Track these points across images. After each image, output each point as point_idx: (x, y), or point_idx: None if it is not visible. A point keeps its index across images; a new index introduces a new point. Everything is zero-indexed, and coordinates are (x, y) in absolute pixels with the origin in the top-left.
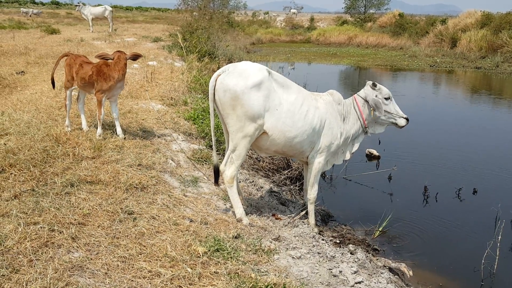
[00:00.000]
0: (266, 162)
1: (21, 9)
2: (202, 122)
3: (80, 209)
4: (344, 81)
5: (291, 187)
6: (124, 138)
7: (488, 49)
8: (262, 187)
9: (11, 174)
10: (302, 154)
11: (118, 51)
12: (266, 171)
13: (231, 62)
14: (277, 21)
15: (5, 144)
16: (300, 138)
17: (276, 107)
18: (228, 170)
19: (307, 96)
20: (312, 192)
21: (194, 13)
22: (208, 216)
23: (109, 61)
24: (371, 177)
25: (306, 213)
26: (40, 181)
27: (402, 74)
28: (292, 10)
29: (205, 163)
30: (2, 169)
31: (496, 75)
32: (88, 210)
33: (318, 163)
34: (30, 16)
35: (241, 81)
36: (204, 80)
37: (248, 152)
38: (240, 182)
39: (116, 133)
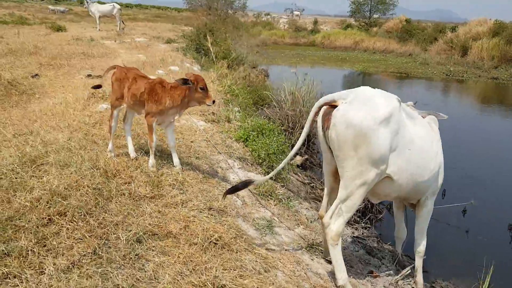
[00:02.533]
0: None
1: (49, 6)
2: (254, 144)
3: (158, 281)
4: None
5: (371, 228)
6: (182, 170)
7: (501, 59)
8: None
9: (61, 227)
10: (418, 197)
11: (195, 76)
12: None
13: (255, 68)
14: (280, 22)
15: (48, 183)
16: (430, 180)
17: (408, 146)
18: (335, 224)
19: (425, 124)
20: (422, 243)
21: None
22: (303, 282)
23: (166, 82)
24: (440, 210)
25: (403, 267)
26: (101, 238)
27: (419, 82)
28: (295, 12)
29: (269, 198)
30: (49, 219)
31: None
32: (169, 283)
33: (431, 205)
34: (55, 13)
35: (369, 114)
36: (238, 91)
37: (299, 177)
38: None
39: (173, 163)
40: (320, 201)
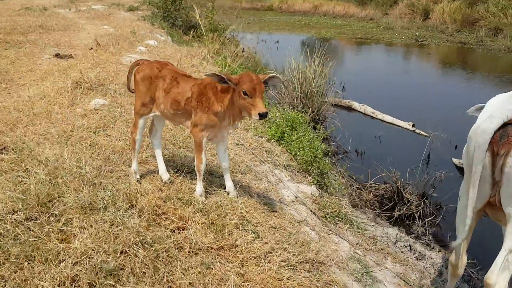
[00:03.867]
0: (371, 193)
1: None
2: (292, 145)
3: None
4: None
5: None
6: (237, 196)
7: (463, 22)
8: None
9: None
10: None
11: (242, 74)
12: (371, 204)
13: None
14: None
15: (77, 249)
16: None
17: None
18: (503, 281)
19: None
20: None
21: None
22: None
23: (216, 83)
24: None
25: None
26: None
27: (392, 48)
28: None
29: (337, 219)
30: None
31: (487, 51)
32: None
33: None
34: None
35: None
36: (240, 71)
37: (342, 179)
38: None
39: (225, 189)
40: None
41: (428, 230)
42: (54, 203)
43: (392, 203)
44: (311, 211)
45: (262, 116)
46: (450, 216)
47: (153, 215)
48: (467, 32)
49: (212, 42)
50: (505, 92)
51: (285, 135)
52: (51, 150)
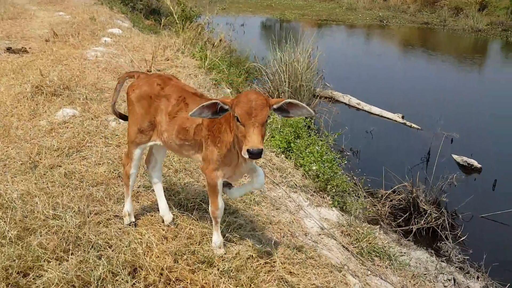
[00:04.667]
0: (386, 205)
1: None
2: (301, 157)
3: None
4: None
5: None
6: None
7: (423, 2)
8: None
9: None
10: None
11: (247, 93)
12: (386, 218)
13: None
14: None
15: None
16: None
17: None
18: None
19: None
20: None
21: None
22: None
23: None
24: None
25: None
26: None
27: (358, 30)
28: None
29: (374, 255)
30: None
31: (452, 31)
32: None
33: None
34: None
35: None
36: (221, 64)
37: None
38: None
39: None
40: (398, 233)
41: (456, 248)
42: (29, 279)
43: (407, 213)
44: (343, 246)
45: (252, 154)
46: (469, 226)
47: (164, 285)
48: (428, 12)
49: (185, 31)
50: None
51: (291, 145)
52: (15, 185)
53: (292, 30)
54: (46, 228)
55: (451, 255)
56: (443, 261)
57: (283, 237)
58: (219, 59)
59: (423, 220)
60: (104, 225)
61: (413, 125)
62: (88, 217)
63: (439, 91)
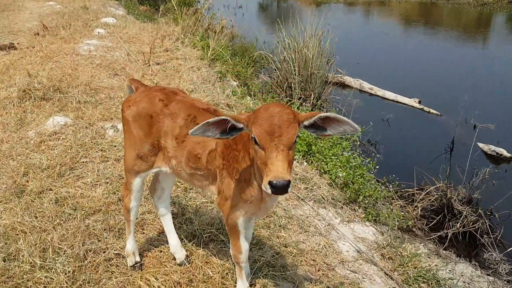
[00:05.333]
0: (418, 208)
1: None
2: (326, 161)
3: None
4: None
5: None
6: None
7: None
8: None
9: None
10: None
11: (260, 109)
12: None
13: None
14: None
15: None
16: None
17: None
18: None
19: None
20: None
21: None
22: None
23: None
24: None
25: None
26: None
27: (360, 9)
28: None
29: (421, 282)
30: None
31: (457, 6)
32: None
33: None
34: None
35: None
36: (226, 54)
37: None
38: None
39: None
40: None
41: (500, 257)
42: None
43: (439, 216)
44: (385, 274)
45: (276, 188)
46: (509, 227)
47: None
48: None
49: (184, 17)
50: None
51: (313, 148)
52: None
53: (291, 10)
54: (32, 282)
55: (497, 267)
56: (489, 275)
57: (318, 271)
58: (223, 48)
59: (459, 223)
60: (104, 269)
61: (432, 110)
62: (84, 260)
63: (454, 72)
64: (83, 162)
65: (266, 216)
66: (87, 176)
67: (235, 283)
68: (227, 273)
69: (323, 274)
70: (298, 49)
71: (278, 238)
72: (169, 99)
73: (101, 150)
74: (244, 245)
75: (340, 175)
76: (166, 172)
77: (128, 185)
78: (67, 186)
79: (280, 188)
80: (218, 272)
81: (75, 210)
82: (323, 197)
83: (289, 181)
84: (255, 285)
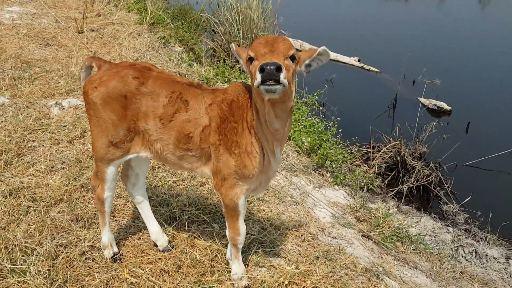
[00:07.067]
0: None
1: None
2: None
3: None
4: None
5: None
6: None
7: None
8: None
9: None
10: None
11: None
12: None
13: None
14: None
15: None
16: None
17: None
18: None
19: None
20: None
21: None
22: None
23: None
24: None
25: None
26: None
27: None
28: None
29: (396, 240)
30: None
31: None
32: None
33: None
34: None
35: None
36: (165, 16)
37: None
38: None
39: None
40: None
41: (454, 207)
42: None
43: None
44: (363, 236)
45: (265, 72)
46: (458, 178)
47: None
48: None
49: None
50: None
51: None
52: None
53: None
54: None
55: (456, 218)
56: (449, 226)
57: (304, 241)
58: (162, 11)
59: (413, 178)
60: (79, 265)
61: (372, 68)
62: (57, 257)
63: (389, 28)
64: (31, 147)
65: None
66: (39, 162)
67: (227, 265)
68: (216, 255)
69: (308, 244)
70: (241, 9)
71: (259, 212)
72: (144, 76)
73: (50, 132)
74: (243, 227)
75: (305, 141)
76: (146, 157)
77: (101, 174)
78: (19, 176)
79: (269, 74)
80: (206, 255)
81: (33, 201)
82: (293, 165)
83: (279, 65)
84: (248, 265)
